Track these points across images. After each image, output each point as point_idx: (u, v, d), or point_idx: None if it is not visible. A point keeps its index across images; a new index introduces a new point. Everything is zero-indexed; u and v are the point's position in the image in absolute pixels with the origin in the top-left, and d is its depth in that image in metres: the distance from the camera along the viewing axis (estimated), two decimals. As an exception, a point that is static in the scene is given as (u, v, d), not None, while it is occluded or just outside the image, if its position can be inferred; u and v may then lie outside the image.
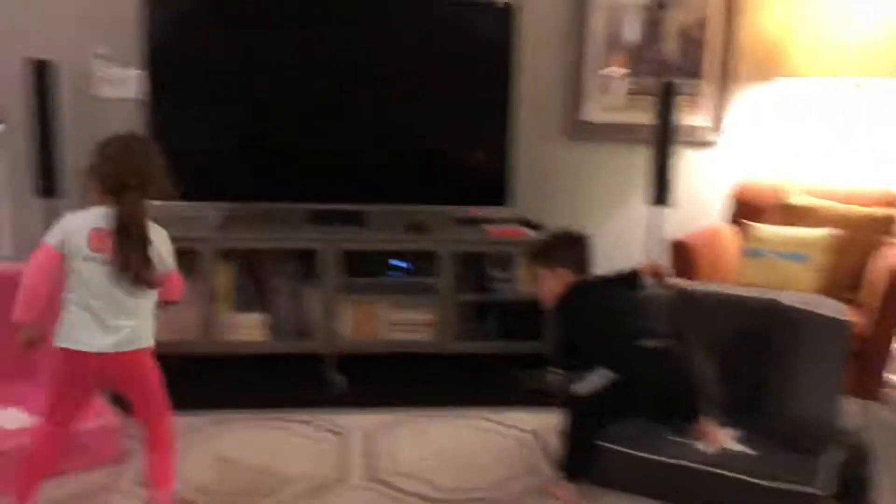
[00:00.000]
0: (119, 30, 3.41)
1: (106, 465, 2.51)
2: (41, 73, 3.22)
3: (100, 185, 2.09)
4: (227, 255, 3.29)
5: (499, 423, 2.96)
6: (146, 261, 2.05)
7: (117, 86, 3.52)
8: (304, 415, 2.96)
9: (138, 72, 3.33)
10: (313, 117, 3.41)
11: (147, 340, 2.15)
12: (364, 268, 3.39)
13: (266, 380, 3.37)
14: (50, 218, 3.21)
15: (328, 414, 2.98)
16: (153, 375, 2.18)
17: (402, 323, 3.37)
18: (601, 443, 2.46)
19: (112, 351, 2.05)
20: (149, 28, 3.25)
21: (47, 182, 3.21)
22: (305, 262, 3.34)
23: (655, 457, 2.39)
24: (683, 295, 2.68)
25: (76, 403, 2.15)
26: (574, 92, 3.80)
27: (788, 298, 2.56)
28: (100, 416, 2.54)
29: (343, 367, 3.31)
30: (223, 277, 3.29)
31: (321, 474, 2.53)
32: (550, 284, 2.56)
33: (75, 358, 2.05)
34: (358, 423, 2.90)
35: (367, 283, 3.37)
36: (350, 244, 3.28)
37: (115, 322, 2.06)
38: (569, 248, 2.61)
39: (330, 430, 2.84)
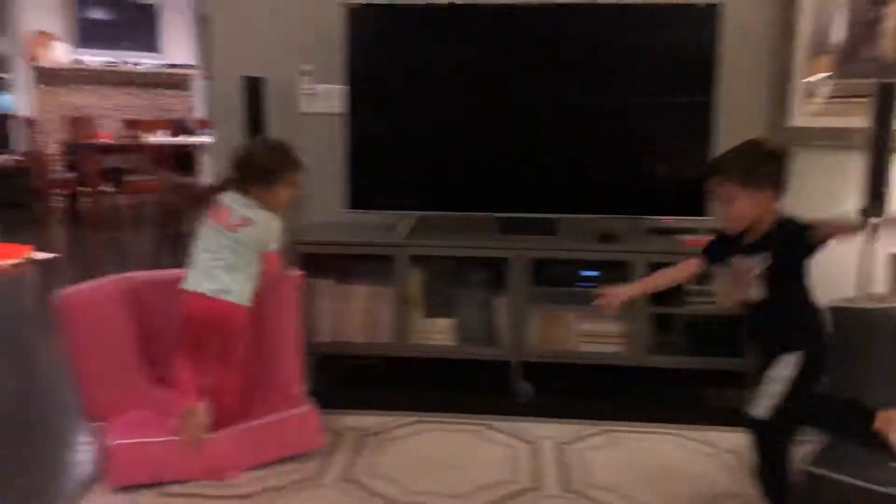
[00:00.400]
0: (323, 47, 3.61)
1: (313, 454, 2.63)
2: (253, 90, 3.48)
3: None
4: (420, 261, 3.37)
5: (695, 440, 2.83)
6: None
7: (320, 100, 3.72)
8: (492, 420, 2.97)
9: (340, 87, 3.51)
10: (506, 127, 3.44)
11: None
12: (554, 277, 3.36)
13: (455, 384, 3.42)
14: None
15: (515, 421, 2.97)
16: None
17: (592, 334, 3.30)
18: (814, 469, 2.28)
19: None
20: (350, 45, 3.41)
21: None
22: (495, 269, 3.36)
23: (880, 488, 2.18)
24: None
25: None
26: (778, 97, 3.60)
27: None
28: (306, 409, 2.68)
29: (530, 376, 3.30)
30: (415, 283, 3.38)
31: (515, 480, 2.52)
32: (745, 207, 2.11)
33: None
34: (548, 432, 2.87)
35: (556, 292, 3.34)
36: (540, 253, 3.27)
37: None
38: (773, 164, 2.13)
39: (519, 438, 2.82)
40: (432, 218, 3.56)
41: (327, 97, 3.69)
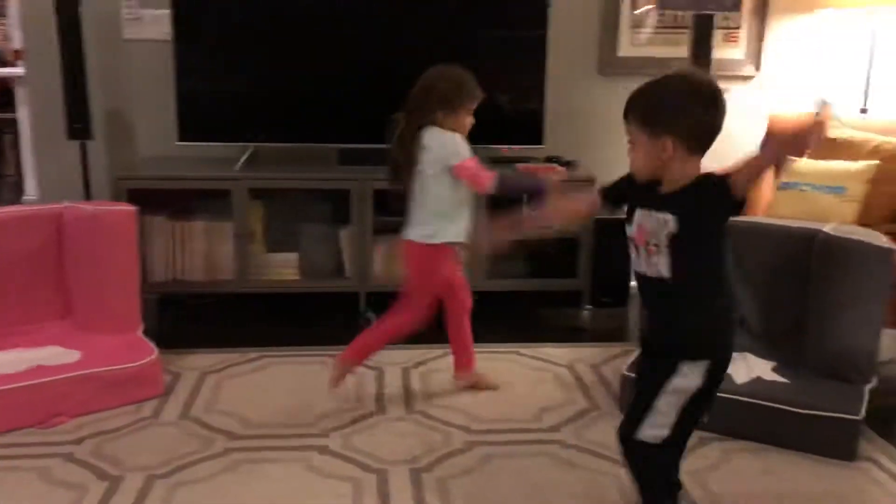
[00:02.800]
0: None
1: (151, 398, 2.56)
2: (70, 14, 3.20)
3: None
4: (259, 194, 3.29)
5: (533, 357, 2.98)
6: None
7: (145, 26, 3.49)
8: (339, 352, 2.98)
9: (166, 12, 3.30)
10: (343, 56, 3.37)
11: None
12: (397, 207, 3.37)
13: (301, 318, 3.40)
14: (80, 159, 3.23)
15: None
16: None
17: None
18: (631, 374, 2.45)
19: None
20: (175, -34, 3.21)
21: (78, 124, 3.20)
22: (337, 201, 3.33)
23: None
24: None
25: None
26: (608, 28, 3.72)
27: (831, 229, 2.52)
28: (146, 353, 2.59)
29: (377, 306, 3.32)
30: (254, 217, 3.30)
31: (361, 406, 2.56)
32: (642, 153, 1.66)
33: None
34: (394, 357, 2.92)
35: (399, 222, 3.35)
36: (381, 183, 3.25)
37: None
38: (687, 105, 1.62)
39: (365, 366, 2.86)
40: (269, 150, 3.47)
41: (153, 22, 3.45)
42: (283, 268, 3.36)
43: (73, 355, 2.55)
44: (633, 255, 1.72)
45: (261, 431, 2.40)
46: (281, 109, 3.41)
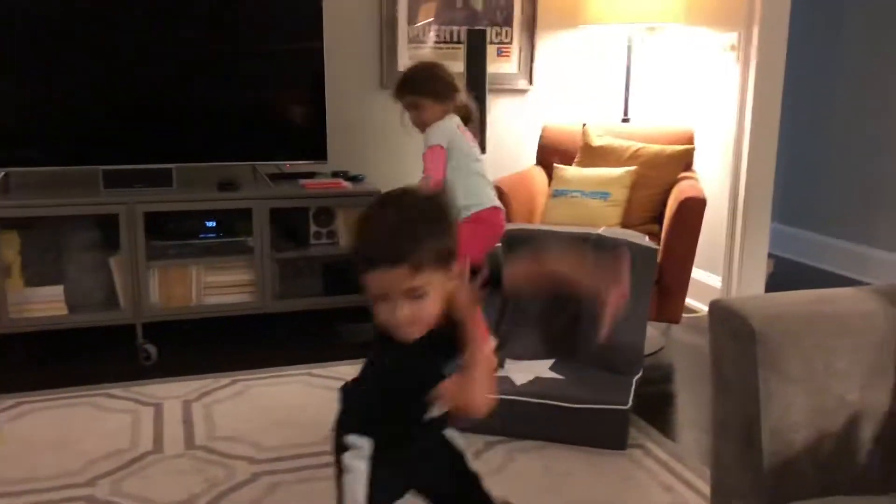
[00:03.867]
0: None
1: None
2: None
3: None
4: (14, 224, 2.99)
5: (325, 377, 2.92)
6: None
7: None
8: (114, 389, 2.77)
9: None
10: (105, 71, 3.15)
11: None
12: (175, 230, 3.20)
13: (70, 356, 3.12)
14: None
15: (141, 386, 2.80)
16: None
17: (217, 286, 3.22)
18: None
19: None
20: None
21: None
22: (106, 227, 3.10)
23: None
24: (510, 234, 2.73)
25: None
26: (388, 42, 3.75)
27: (602, 231, 2.69)
28: None
29: (155, 337, 3.12)
30: (10, 250, 2.99)
31: (136, 446, 2.37)
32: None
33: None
34: (173, 391, 2.75)
35: (176, 246, 3.18)
36: (153, 206, 3.07)
37: None
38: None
39: (141, 402, 2.67)
40: (24, 174, 3.16)
41: None
42: (48, 303, 3.07)
43: None
44: None
45: (18, 487, 2.15)
46: (35, 130, 3.12)
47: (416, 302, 1.30)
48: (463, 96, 2.76)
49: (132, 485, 2.17)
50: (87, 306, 3.13)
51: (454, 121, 2.71)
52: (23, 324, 3.01)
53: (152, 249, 3.10)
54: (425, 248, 1.29)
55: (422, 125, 2.71)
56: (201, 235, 3.25)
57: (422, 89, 2.69)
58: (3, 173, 3.10)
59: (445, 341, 1.37)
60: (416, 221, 1.31)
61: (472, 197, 2.65)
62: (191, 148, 3.27)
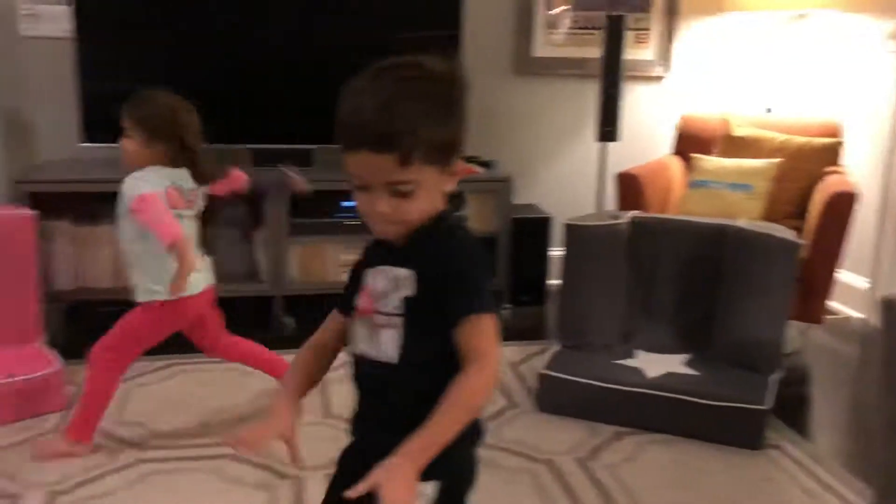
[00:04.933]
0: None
1: (54, 411, 2.44)
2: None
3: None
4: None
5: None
6: None
7: (43, 23, 3.34)
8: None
9: (65, 8, 3.16)
10: (254, 54, 3.30)
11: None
12: (312, 209, 3.33)
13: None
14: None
15: (280, 354, 2.94)
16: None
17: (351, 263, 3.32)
18: (547, 371, 2.48)
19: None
20: (75, -40, 3.08)
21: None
22: (252, 204, 3.26)
23: (597, 382, 2.43)
24: (637, 224, 2.69)
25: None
26: (522, 29, 3.75)
27: (742, 224, 2.61)
28: (48, 364, 2.47)
29: (292, 310, 3.27)
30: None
31: (274, 413, 2.50)
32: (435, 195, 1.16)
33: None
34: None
35: (314, 224, 3.31)
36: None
37: None
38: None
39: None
40: (181, 151, 3.36)
41: (52, 19, 3.30)
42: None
43: (-32, 368, 2.42)
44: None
45: (170, 441, 2.31)
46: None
47: (400, 199, 1.09)
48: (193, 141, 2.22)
49: (274, 446, 2.28)
50: (232, 278, 3.29)
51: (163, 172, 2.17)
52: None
53: (293, 227, 3.23)
54: (420, 135, 1.05)
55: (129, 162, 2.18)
56: (338, 215, 3.37)
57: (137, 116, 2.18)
58: (161, 150, 3.30)
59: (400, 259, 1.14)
60: (413, 100, 1.07)
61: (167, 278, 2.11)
62: (331, 130, 3.38)
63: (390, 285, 1.15)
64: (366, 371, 1.20)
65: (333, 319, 1.30)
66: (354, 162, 1.09)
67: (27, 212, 2.61)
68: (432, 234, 1.15)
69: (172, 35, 3.23)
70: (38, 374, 2.42)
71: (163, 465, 2.19)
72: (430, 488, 1.19)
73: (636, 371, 2.48)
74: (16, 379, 2.37)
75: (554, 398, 2.50)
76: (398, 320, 1.15)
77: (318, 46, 3.32)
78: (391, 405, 1.19)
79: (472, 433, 1.20)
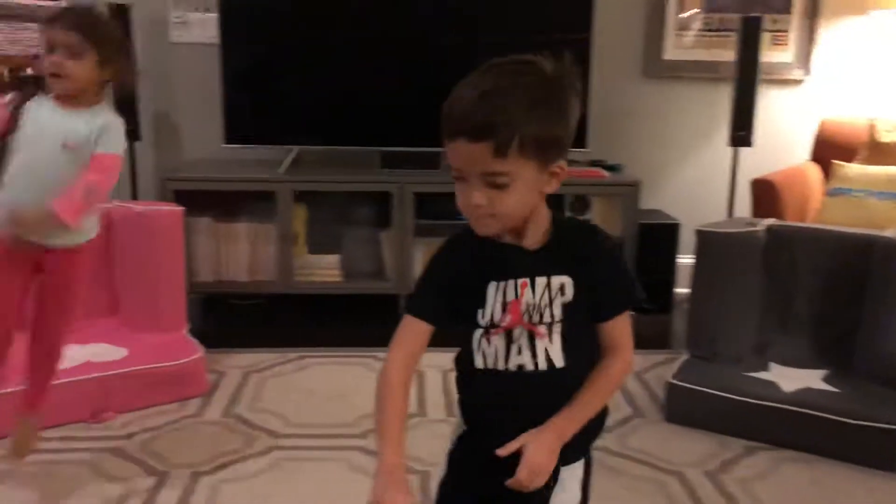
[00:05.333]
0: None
1: (196, 396, 2.59)
2: (118, 17, 3.26)
3: None
4: (302, 197, 3.32)
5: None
6: None
7: (192, 29, 3.54)
8: (378, 353, 2.99)
9: (213, 15, 3.34)
10: (387, 60, 3.39)
11: None
12: (437, 210, 3.38)
13: (341, 319, 3.42)
14: (128, 160, 3.30)
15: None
16: None
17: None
18: (677, 381, 2.43)
19: None
20: (222, -30, 3.25)
21: (127, 126, 3.24)
22: (379, 204, 3.35)
23: (729, 395, 2.36)
24: (774, 232, 2.59)
25: None
26: (653, 31, 3.68)
27: (889, 234, 2.46)
28: (192, 351, 2.62)
29: (417, 309, 3.32)
30: (298, 219, 3.33)
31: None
32: (532, 194, 1.13)
33: None
34: (432, 360, 2.89)
35: (439, 225, 3.36)
36: (422, 186, 3.27)
37: None
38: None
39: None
40: (313, 152, 3.49)
41: (200, 26, 3.51)
42: (325, 269, 3.39)
43: (120, 352, 2.59)
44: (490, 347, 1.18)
45: (302, 431, 2.41)
46: (325, 113, 3.44)
47: (495, 191, 1.07)
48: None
49: (401, 442, 2.34)
50: (358, 275, 3.40)
51: None
52: (305, 286, 3.34)
53: (418, 227, 3.30)
54: (519, 127, 1.04)
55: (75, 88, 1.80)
56: (461, 217, 3.40)
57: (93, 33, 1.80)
58: (295, 151, 3.45)
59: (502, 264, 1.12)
60: (514, 93, 1.06)
61: None
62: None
63: (551, 294, 1.15)
64: (515, 383, 1.18)
65: (422, 336, 1.21)
66: (453, 151, 1.09)
67: (176, 208, 2.78)
68: (573, 236, 1.16)
69: (310, 42, 3.36)
70: (184, 360, 2.57)
71: (294, 452, 2.28)
72: (578, 469, 1.22)
73: (771, 385, 2.39)
74: (164, 365, 2.53)
75: (682, 408, 2.44)
76: (558, 326, 1.16)
77: (450, 51, 3.38)
78: (550, 409, 1.16)
79: (604, 419, 1.25)
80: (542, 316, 1.15)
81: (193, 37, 3.53)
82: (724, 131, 3.49)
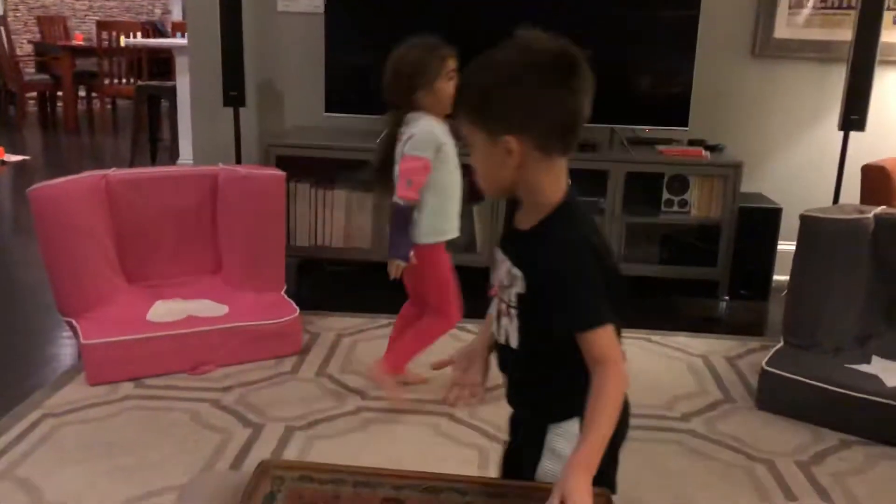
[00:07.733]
0: (302, -57, 3.50)
1: (291, 354, 2.69)
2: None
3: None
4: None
5: (664, 345, 2.91)
6: None
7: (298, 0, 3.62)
8: (468, 323, 3.01)
9: (319, -15, 3.41)
10: (491, 32, 3.37)
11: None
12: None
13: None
14: (234, 125, 3.41)
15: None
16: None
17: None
18: (770, 368, 2.37)
19: None
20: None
21: (233, 92, 3.37)
22: (472, 177, 3.36)
23: (827, 385, 2.29)
24: (883, 221, 2.47)
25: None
26: (765, 8, 3.53)
27: None
28: (289, 311, 2.71)
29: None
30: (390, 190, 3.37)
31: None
32: (479, 160, 1.19)
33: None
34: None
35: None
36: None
37: None
38: (523, 87, 1.15)
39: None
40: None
41: (306, -4, 3.58)
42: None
43: (221, 309, 2.71)
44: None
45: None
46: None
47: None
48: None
49: (487, 411, 2.36)
50: (450, 247, 3.42)
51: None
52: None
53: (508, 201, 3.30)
54: (470, 93, 1.16)
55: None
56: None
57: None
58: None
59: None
60: (487, 64, 1.17)
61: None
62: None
63: (507, 279, 1.19)
64: (498, 350, 1.29)
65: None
66: None
67: (279, 172, 2.86)
68: (543, 235, 1.14)
69: (414, 13, 3.38)
70: (282, 319, 2.67)
71: (382, 415, 2.35)
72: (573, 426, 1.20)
73: (873, 378, 2.30)
74: (263, 323, 2.63)
75: (775, 397, 2.39)
76: (514, 311, 1.20)
77: (557, 25, 3.32)
78: (514, 383, 1.29)
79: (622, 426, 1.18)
80: (505, 296, 1.20)
81: (300, 6, 3.60)
82: (833, 114, 3.34)
